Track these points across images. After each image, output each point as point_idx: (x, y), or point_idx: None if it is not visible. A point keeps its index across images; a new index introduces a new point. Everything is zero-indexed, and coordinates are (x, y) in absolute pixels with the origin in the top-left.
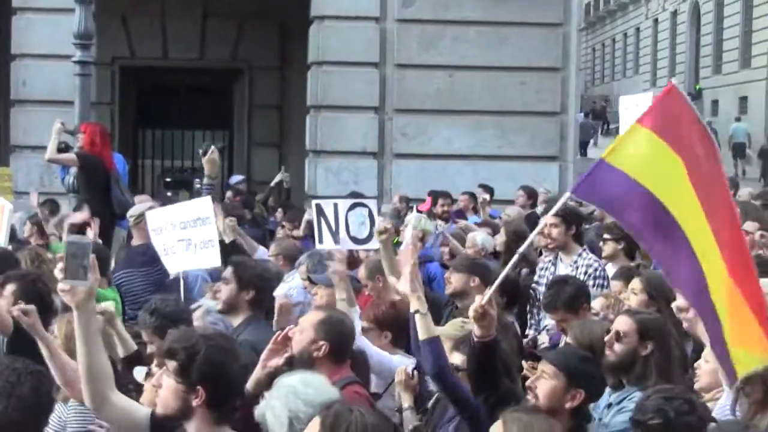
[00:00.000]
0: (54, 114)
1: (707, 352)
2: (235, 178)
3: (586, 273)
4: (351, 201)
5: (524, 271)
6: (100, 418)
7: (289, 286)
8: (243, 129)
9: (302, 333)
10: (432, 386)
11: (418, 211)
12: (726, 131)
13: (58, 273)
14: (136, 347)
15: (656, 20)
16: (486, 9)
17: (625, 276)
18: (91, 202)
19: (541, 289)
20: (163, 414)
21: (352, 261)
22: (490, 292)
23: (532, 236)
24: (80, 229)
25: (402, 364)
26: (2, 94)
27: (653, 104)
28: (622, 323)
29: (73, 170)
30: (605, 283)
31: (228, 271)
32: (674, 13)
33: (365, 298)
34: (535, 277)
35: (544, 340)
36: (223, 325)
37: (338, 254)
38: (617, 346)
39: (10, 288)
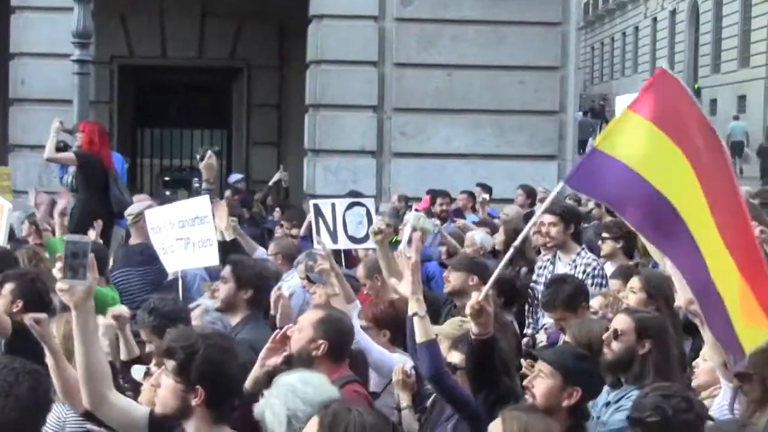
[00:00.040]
0: (52, 113)
1: (705, 351)
2: (234, 177)
3: (584, 272)
4: (348, 200)
5: (523, 270)
6: (98, 417)
7: (288, 285)
8: (242, 128)
9: (301, 332)
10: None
11: (416, 210)
12: (724, 130)
13: (56, 272)
14: (138, 353)
15: (655, 19)
16: (485, 8)
17: (624, 275)
18: (89, 201)
19: (540, 288)
20: (162, 413)
21: (351, 260)
22: (486, 288)
23: (527, 229)
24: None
25: (401, 362)
26: (1, 93)
27: (644, 90)
28: (621, 322)
29: (72, 169)
30: (604, 282)
31: (226, 270)
32: (673, 12)
33: (364, 297)
34: (534, 276)
35: (542, 339)
36: (221, 324)
37: (322, 251)
38: (615, 345)
39: (8, 287)
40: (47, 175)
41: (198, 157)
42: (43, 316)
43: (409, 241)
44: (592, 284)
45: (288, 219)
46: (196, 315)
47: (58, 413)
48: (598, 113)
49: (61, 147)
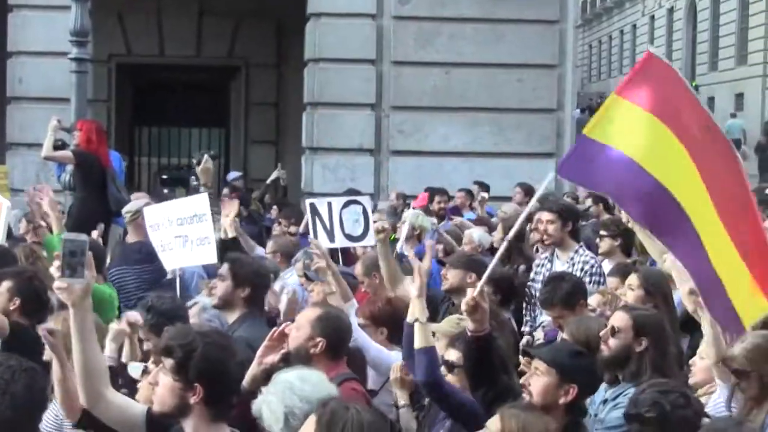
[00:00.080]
0: (50, 111)
1: (702, 349)
2: (233, 175)
3: (582, 269)
4: (345, 199)
5: (521, 267)
6: (95, 415)
7: (286, 283)
8: (240, 126)
9: (299, 329)
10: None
11: (413, 208)
12: (721, 128)
13: (54, 271)
14: (139, 356)
15: (653, 17)
16: (482, 6)
17: (622, 272)
18: (87, 200)
19: (538, 285)
20: (160, 411)
21: (349, 257)
22: (480, 284)
23: (519, 222)
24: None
25: (399, 360)
26: None
27: (631, 75)
28: (618, 319)
29: (70, 168)
30: (601, 280)
31: (224, 268)
32: (671, 10)
33: (362, 295)
34: (532, 274)
35: (539, 336)
36: (218, 322)
37: (318, 249)
38: (612, 341)
39: (5, 285)
40: (45, 173)
41: (194, 161)
42: (57, 328)
43: (407, 239)
44: (590, 282)
45: (286, 217)
46: (193, 313)
47: (56, 411)
48: (595, 111)
49: (59, 145)
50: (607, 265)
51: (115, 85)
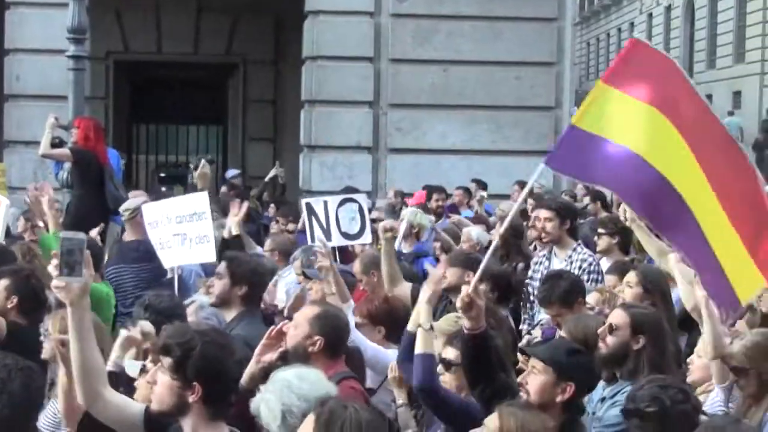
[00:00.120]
0: (47, 109)
1: (700, 347)
2: (231, 173)
3: (580, 267)
4: (341, 197)
5: (519, 265)
6: (93, 414)
7: (285, 282)
8: (237, 124)
9: (297, 328)
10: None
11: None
12: None
13: (52, 270)
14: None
15: (650, 15)
16: (480, 4)
17: (620, 270)
18: (84, 198)
19: (536, 283)
20: (159, 410)
21: (347, 255)
22: (474, 281)
23: (511, 214)
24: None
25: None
26: None
27: (617, 62)
28: (616, 316)
29: (67, 165)
30: (600, 278)
31: (222, 266)
32: (668, 8)
33: (360, 293)
34: (530, 272)
35: (537, 334)
36: (216, 320)
37: (322, 248)
38: (609, 339)
39: (3, 283)
40: (42, 171)
41: (191, 166)
42: (68, 338)
43: (405, 237)
44: (588, 280)
45: (284, 215)
46: (191, 311)
47: (55, 410)
48: None
49: (57, 143)
50: (605, 263)
51: (113, 83)
